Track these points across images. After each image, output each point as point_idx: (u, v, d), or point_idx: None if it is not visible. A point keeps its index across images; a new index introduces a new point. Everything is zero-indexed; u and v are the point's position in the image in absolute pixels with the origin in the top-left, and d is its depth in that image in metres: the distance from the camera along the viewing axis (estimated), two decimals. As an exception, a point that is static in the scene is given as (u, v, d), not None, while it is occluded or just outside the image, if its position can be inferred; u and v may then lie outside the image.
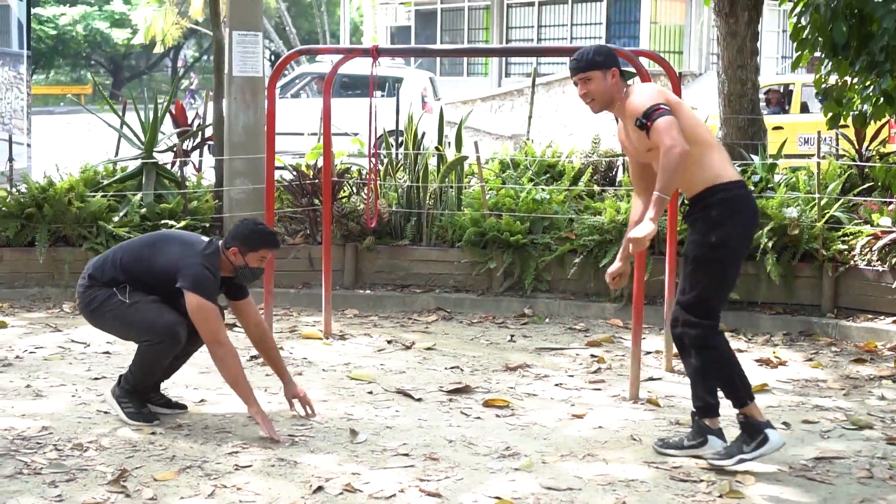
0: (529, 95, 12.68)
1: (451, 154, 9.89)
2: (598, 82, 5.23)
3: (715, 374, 5.23)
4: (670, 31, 29.91)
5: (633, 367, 6.47)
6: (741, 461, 5.15)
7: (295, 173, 9.79)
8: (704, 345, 5.18)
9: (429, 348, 7.61)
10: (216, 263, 5.54)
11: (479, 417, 5.97)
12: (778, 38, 30.17)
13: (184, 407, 5.98)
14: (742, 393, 5.21)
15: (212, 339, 5.47)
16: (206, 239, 5.71)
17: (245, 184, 9.40)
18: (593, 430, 5.80)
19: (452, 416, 5.98)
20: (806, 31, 7.95)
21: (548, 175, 10.09)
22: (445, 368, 7.05)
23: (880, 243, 8.04)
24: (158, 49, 45.15)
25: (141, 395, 5.80)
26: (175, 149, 10.12)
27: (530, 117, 12.36)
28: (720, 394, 5.27)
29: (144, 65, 54.25)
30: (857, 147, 9.69)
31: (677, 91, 7.09)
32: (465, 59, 34.49)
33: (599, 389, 6.61)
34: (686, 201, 5.33)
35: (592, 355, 7.44)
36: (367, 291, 9.13)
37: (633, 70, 6.65)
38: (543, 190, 9.40)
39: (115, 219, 9.04)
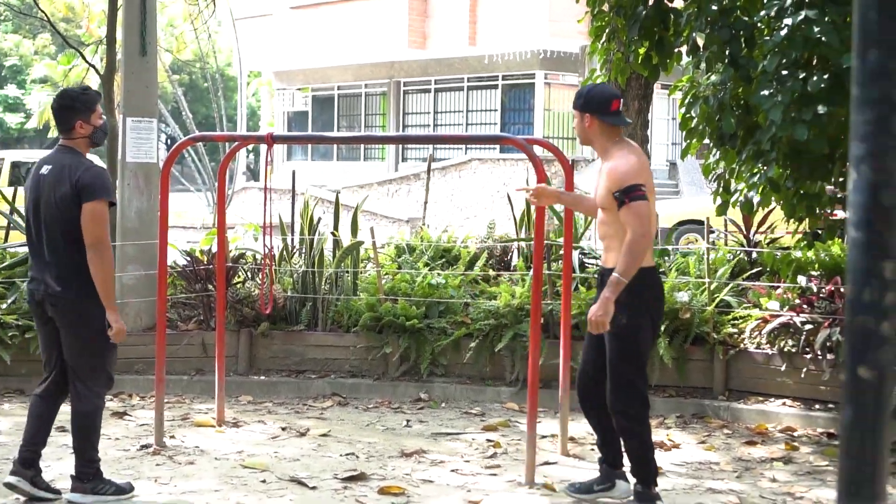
0: (426, 180, 12.77)
1: (346, 238, 9.89)
2: (577, 121, 5.64)
3: None
4: (564, 118, 30.43)
5: (529, 451, 6.46)
6: None
7: (188, 259, 9.68)
8: None
9: (324, 435, 7.52)
10: (82, 155, 5.78)
11: (374, 505, 5.91)
12: (668, 125, 30.86)
13: (58, 492, 5.81)
14: None
15: (95, 241, 5.61)
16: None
17: (138, 269, 9.27)
18: (489, 516, 5.77)
19: (347, 505, 5.90)
20: (695, 122, 8.15)
21: (444, 260, 10.14)
22: (341, 455, 6.97)
23: (769, 327, 8.19)
24: (53, 133, 44.59)
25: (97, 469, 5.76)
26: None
27: (426, 202, 12.44)
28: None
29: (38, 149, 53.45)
30: (745, 233, 9.91)
31: (570, 177, 7.22)
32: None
33: (496, 475, 6.58)
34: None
35: (488, 440, 7.42)
36: (262, 377, 9.02)
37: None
38: (439, 274, 9.43)
39: (3, 306, 8.82)
